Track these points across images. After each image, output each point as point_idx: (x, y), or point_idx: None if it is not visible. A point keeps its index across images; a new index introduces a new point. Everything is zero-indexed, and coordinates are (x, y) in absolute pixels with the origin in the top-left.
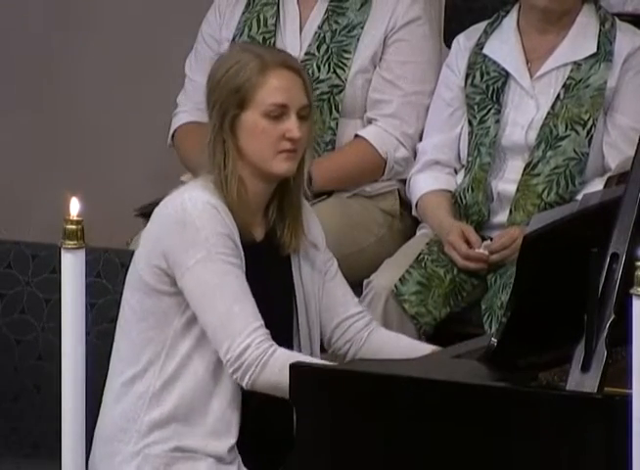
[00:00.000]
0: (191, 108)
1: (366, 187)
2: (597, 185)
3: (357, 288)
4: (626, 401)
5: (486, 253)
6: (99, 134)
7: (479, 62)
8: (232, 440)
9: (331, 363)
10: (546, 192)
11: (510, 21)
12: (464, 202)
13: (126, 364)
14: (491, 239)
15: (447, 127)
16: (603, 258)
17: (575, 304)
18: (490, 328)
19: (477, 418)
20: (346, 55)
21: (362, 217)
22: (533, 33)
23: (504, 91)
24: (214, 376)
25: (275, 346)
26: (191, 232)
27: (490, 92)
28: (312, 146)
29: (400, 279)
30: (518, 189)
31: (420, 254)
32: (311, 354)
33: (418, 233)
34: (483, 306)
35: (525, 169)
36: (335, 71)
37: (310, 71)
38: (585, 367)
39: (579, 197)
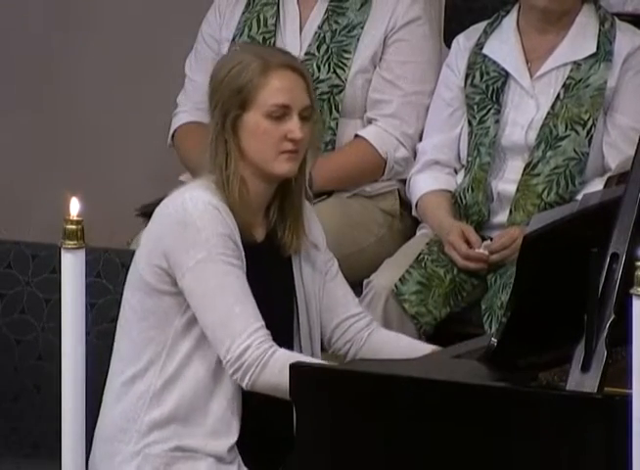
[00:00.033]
0: (191, 108)
1: (366, 187)
2: (597, 185)
3: (357, 288)
4: (626, 401)
5: (486, 253)
6: (99, 134)
7: (478, 62)
8: (232, 439)
9: (331, 363)
10: (546, 192)
11: (510, 21)
12: (464, 202)
13: (127, 364)
14: (491, 239)
15: (447, 127)
16: (603, 258)
17: (575, 304)
18: (490, 328)
19: (477, 418)
20: (346, 55)
21: (362, 217)
22: (533, 33)
23: (504, 91)
24: (215, 376)
25: (275, 346)
26: (192, 232)
27: (490, 92)
28: (315, 147)
29: (400, 279)
30: (518, 189)
31: (420, 254)
32: (312, 354)
33: (418, 233)
34: (483, 306)
35: (524, 169)
36: (335, 71)
37: (310, 71)
38: (585, 367)
39: (579, 197)
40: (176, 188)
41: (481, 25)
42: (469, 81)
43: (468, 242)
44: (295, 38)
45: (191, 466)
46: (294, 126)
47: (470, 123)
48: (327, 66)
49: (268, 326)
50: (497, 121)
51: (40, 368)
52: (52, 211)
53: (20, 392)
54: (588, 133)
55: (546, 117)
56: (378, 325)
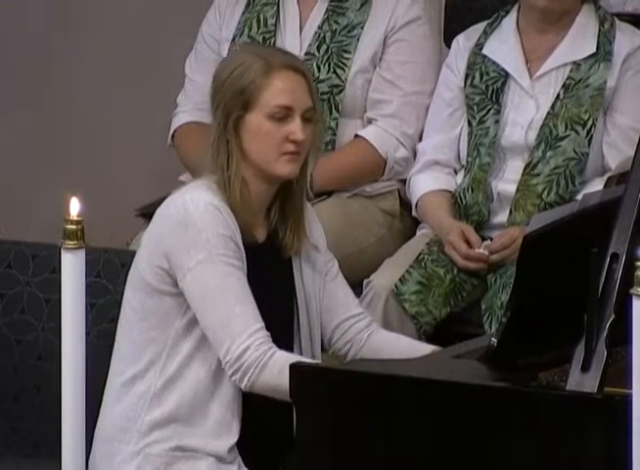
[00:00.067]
0: (191, 108)
1: (366, 187)
2: (597, 185)
3: (357, 288)
4: (626, 401)
5: (486, 253)
6: (99, 134)
7: (478, 62)
8: (232, 439)
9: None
10: (546, 192)
11: (509, 21)
12: (464, 202)
13: (127, 364)
14: (491, 239)
15: (447, 127)
16: (603, 258)
17: (575, 304)
18: (490, 328)
19: (477, 418)
20: (346, 55)
21: (362, 217)
22: (533, 33)
23: (504, 91)
24: (215, 377)
25: (274, 348)
26: (192, 233)
27: (490, 92)
28: (316, 148)
29: (400, 279)
30: (518, 189)
31: (420, 254)
32: (312, 355)
33: (418, 233)
34: (483, 306)
35: (524, 169)
36: (335, 71)
37: (310, 71)
38: (585, 367)
39: (579, 197)
40: (176, 188)
41: (481, 26)
42: (468, 81)
43: (468, 242)
44: (295, 38)
45: (191, 466)
46: (295, 128)
47: (470, 124)
48: (327, 66)
49: (269, 327)
50: (497, 122)
51: (40, 368)
52: (52, 211)
53: (20, 392)
54: (588, 133)
55: (546, 118)
56: (378, 326)
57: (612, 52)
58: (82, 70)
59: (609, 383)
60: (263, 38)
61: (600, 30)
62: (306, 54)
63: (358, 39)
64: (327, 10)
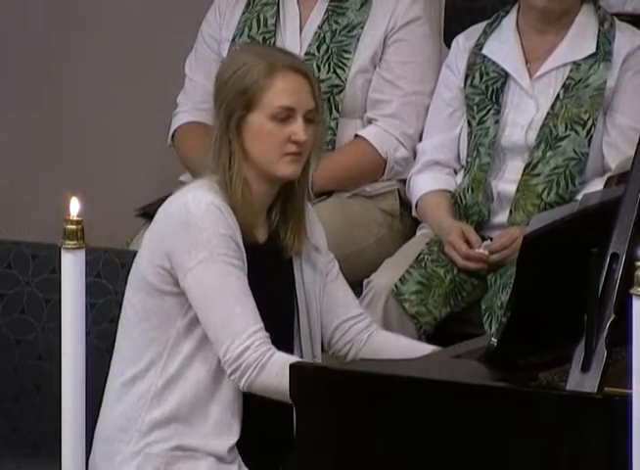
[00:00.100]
0: (191, 108)
1: (366, 187)
2: (597, 185)
3: (357, 288)
4: (626, 401)
5: (486, 253)
6: (99, 134)
7: (478, 62)
8: (233, 439)
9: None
10: (546, 192)
11: (509, 21)
12: (464, 202)
13: (127, 364)
14: (491, 239)
15: (447, 128)
16: (603, 258)
17: (575, 304)
18: (490, 328)
19: (477, 418)
20: (346, 55)
21: (362, 217)
22: (533, 34)
23: (503, 91)
24: (216, 376)
25: (273, 349)
26: (194, 233)
27: (490, 92)
28: (318, 149)
29: (400, 279)
30: (518, 189)
31: (420, 254)
32: (312, 355)
33: (418, 233)
34: (483, 306)
35: (524, 170)
36: (335, 71)
37: None
38: (585, 367)
39: (579, 197)
40: (176, 188)
41: (481, 26)
42: (468, 82)
43: (468, 242)
44: (295, 38)
45: (191, 466)
46: (298, 129)
47: (469, 124)
48: (327, 66)
49: (269, 327)
50: (497, 122)
51: (40, 368)
52: (52, 211)
53: (20, 392)
54: (588, 133)
55: (546, 118)
56: (378, 327)
57: (611, 52)
58: (82, 70)
59: (609, 383)
60: (263, 38)
61: (600, 30)
62: (306, 54)
63: (358, 39)
64: (327, 10)
